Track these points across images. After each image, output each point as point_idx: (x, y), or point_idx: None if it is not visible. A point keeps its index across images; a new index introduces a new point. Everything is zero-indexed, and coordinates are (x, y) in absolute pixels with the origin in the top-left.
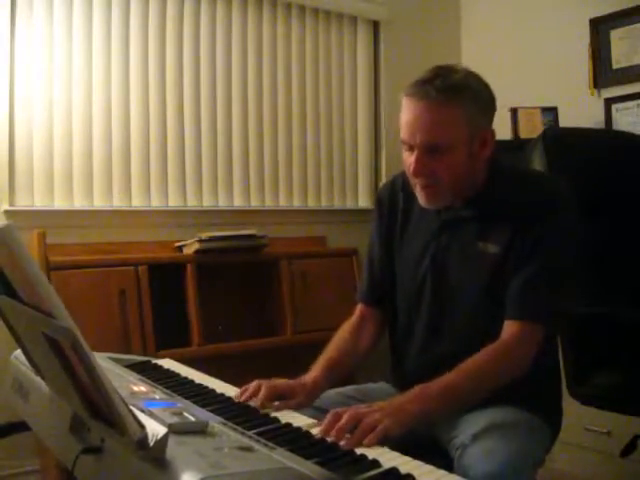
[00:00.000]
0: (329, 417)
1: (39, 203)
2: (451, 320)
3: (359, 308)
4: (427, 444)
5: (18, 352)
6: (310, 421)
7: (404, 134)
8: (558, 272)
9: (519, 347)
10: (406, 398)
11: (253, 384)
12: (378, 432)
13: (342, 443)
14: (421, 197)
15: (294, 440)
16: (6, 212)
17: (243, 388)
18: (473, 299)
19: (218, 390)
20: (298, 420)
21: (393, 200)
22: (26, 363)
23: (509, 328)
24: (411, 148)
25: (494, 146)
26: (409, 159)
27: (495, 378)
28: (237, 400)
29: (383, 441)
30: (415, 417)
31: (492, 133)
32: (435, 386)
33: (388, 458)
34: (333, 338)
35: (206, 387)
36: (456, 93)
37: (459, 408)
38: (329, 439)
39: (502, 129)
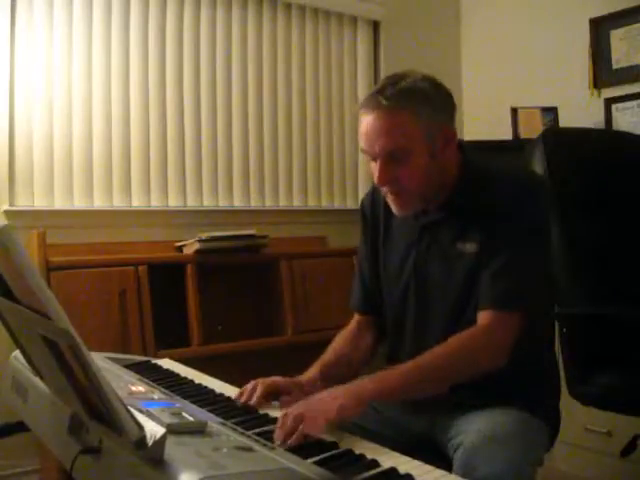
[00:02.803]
0: (279, 420)
1: (39, 203)
2: (437, 323)
3: (355, 318)
4: (426, 444)
5: (17, 353)
6: None
7: (364, 146)
8: (527, 261)
9: (491, 334)
10: (367, 378)
11: (250, 385)
12: (318, 424)
13: (289, 442)
14: (392, 206)
15: None
16: (6, 212)
17: (241, 390)
18: (456, 299)
19: (217, 390)
20: None
21: (375, 208)
22: (25, 364)
23: (481, 317)
24: (374, 159)
25: (457, 144)
26: (375, 170)
27: (466, 363)
28: (236, 402)
29: (342, 422)
30: (371, 394)
31: (453, 131)
32: (400, 367)
33: (387, 458)
34: (330, 345)
35: (205, 387)
36: (405, 97)
37: (427, 392)
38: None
39: (502, 129)
